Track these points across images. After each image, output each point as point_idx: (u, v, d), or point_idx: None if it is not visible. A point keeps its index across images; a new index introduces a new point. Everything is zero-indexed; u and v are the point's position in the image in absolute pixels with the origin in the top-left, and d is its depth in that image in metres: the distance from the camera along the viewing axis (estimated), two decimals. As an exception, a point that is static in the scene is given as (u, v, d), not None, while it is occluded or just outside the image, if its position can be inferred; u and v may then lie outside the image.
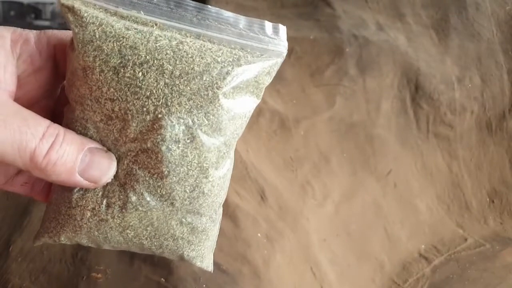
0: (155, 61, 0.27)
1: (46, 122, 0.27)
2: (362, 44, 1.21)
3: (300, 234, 0.93)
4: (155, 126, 0.27)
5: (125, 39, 0.27)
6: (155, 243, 0.30)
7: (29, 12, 1.82)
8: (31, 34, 0.29)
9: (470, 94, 1.30)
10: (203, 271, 0.75)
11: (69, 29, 0.28)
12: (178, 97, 0.27)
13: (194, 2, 0.28)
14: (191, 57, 0.27)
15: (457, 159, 1.28)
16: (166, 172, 0.28)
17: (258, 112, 1.03)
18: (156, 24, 0.27)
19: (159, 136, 0.27)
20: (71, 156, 0.27)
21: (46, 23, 1.81)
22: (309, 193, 1.02)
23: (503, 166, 1.31)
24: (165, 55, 0.27)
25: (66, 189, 0.29)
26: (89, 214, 0.29)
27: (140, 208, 0.29)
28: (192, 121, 0.27)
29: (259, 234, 0.84)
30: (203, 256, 0.33)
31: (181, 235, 0.30)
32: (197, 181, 0.29)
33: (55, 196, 0.30)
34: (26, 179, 0.33)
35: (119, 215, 0.29)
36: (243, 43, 0.28)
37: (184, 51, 0.27)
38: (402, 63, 1.24)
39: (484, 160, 1.31)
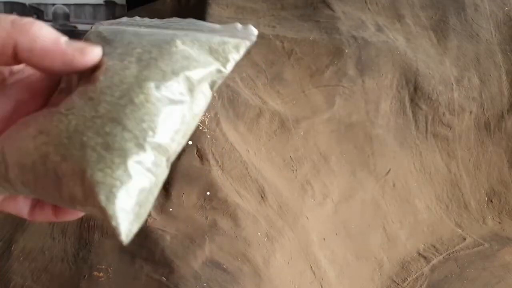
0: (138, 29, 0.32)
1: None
2: (361, 45, 1.21)
3: (299, 233, 0.94)
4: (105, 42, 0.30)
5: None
6: (61, 152, 0.26)
7: (31, 13, 1.83)
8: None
9: (469, 95, 1.31)
10: (204, 270, 0.75)
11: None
12: (143, 36, 0.31)
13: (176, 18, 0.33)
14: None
15: (456, 159, 1.29)
16: (102, 78, 0.28)
17: (258, 113, 1.04)
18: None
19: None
20: (51, 31, 0.28)
21: (48, 24, 1.82)
22: (309, 193, 1.02)
23: (502, 166, 1.32)
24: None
25: None
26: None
27: (63, 112, 0.28)
28: (144, 51, 0.29)
29: (259, 233, 0.85)
30: (112, 192, 0.26)
31: (93, 145, 0.26)
32: (129, 89, 0.28)
33: None
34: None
35: (43, 120, 0.28)
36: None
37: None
38: (401, 64, 1.25)
39: (483, 160, 1.31)
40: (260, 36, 0.36)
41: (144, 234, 0.77)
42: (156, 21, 0.33)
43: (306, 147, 1.07)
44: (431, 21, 1.37)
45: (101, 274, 0.74)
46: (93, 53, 0.29)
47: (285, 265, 0.86)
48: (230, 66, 0.31)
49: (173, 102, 0.29)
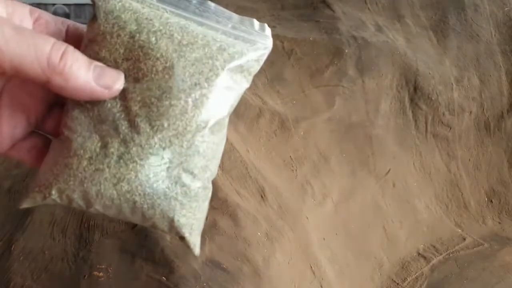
0: (167, 30, 0.31)
1: (53, 38, 0.29)
2: (361, 45, 1.22)
3: (299, 233, 0.94)
4: (161, 84, 0.31)
5: (141, 13, 0.31)
6: (148, 201, 0.31)
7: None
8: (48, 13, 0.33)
9: (469, 95, 1.31)
10: (204, 270, 0.75)
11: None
12: (184, 61, 0.31)
13: None
14: (196, 33, 0.32)
15: (456, 159, 1.29)
16: (166, 125, 0.30)
17: (258, 113, 1.04)
18: (166, 11, 0.32)
19: (165, 93, 0.31)
20: (84, 64, 0.29)
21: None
22: (309, 193, 1.03)
23: (501, 166, 1.32)
24: (175, 28, 0.31)
25: (66, 140, 0.31)
26: (85, 163, 0.30)
27: (138, 161, 0.30)
28: (193, 84, 0.31)
29: (259, 233, 0.85)
30: (192, 228, 0.33)
31: (175, 195, 0.31)
32: (194, 139, 0.31)
33: (53, 150, 0.32)
34: (33, 144, 0.34)
35: (116, 165, 0.30)
36: (236, 34, 0.33)
37: (190, 29, 0.32)
38: (401, 64, 1.25)
39: (483, 160, 1.32)
40: (260, 36, 0.37)
41: (144, 233, 0.77)
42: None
43: (306, 147, 1.07)
44: (431, 21, 1.37)
45: (101, 274, 0.74)
46: (118, 88, 0.30)
47: (285, 265, 0.86)
48: (251, 80, 0.34)
49: (221, 138, 0.33)
